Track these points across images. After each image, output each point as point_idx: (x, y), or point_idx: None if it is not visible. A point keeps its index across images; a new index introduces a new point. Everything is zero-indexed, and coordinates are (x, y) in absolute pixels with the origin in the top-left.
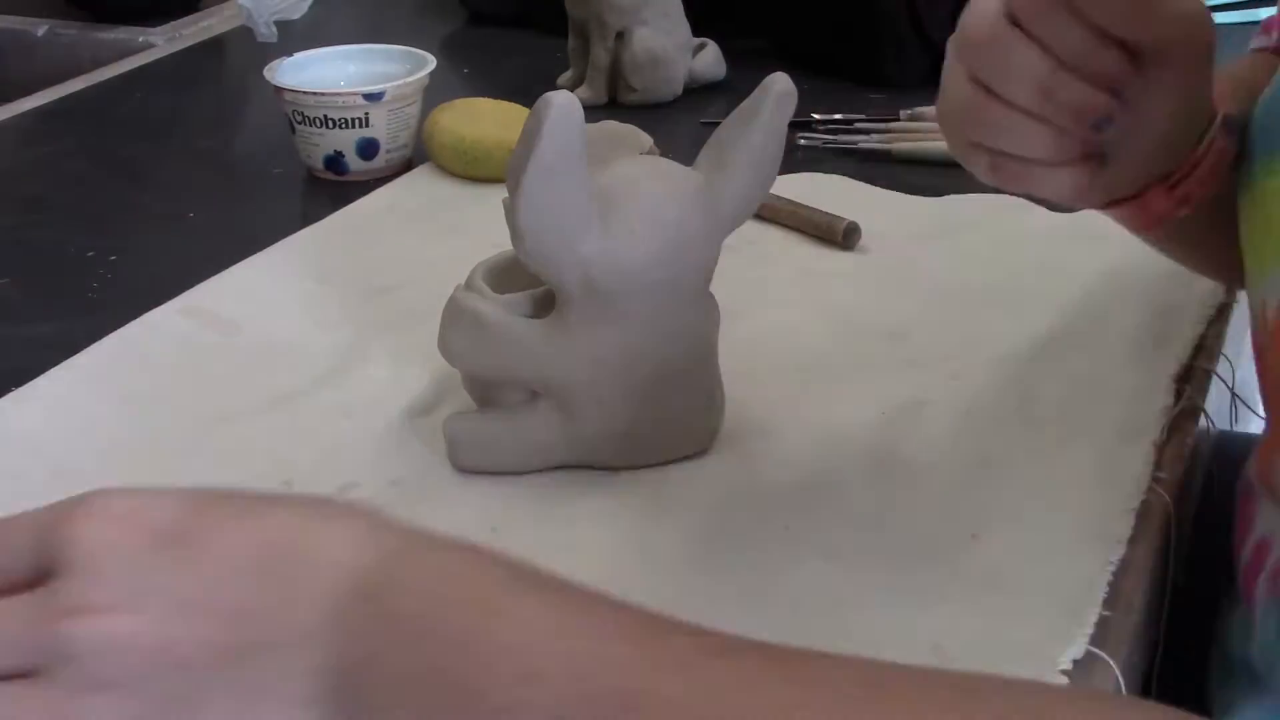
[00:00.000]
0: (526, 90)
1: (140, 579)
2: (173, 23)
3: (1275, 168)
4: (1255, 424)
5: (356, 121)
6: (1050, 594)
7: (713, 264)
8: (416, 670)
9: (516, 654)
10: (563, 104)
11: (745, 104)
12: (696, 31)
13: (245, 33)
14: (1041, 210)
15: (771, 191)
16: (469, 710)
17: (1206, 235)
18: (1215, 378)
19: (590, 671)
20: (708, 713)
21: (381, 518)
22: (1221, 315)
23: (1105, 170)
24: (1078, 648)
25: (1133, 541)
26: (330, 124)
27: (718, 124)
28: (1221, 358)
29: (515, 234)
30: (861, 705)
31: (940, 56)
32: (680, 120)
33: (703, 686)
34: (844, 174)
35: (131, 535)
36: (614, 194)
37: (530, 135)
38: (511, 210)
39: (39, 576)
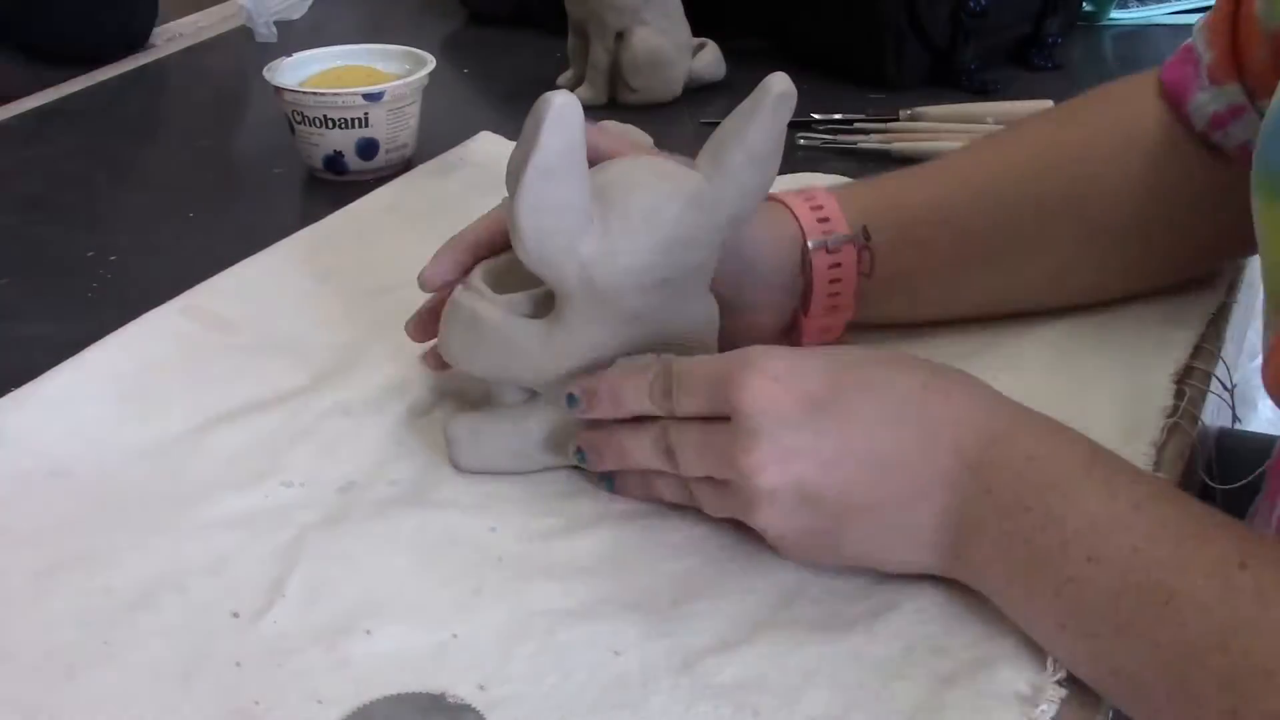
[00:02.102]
0: (526, 90)
1: (798, 435)
2: (173, 23)
3: None
4: (1255, 424)
5: (356, 121)
6: None
7: (712, 264)
8: (1009, 538)
9: (1085, 539)
10: (562, 104)
11: (744, 104)
12: (696, 31)
13: (245, 33)
14: None
15: (772, 191)
16: (1044, 575)
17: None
18: (1214, 378)
19: (1139, 564)
20: (1228, 618)
21: (984, 394)
22: (1221, 316)
23: None
24: None
25: None
26: (330, 124)
27: (718, 124)
28: (1220, 359)
29: (515, 234)
30: None
31: (941, 56)
32: (680, 120)
33: (1228, 594)
34: (844, 174)
35: (783, 398)
36: (613, 193)
37: (529, 135)
38: (511, 210)
39: (715, 409)
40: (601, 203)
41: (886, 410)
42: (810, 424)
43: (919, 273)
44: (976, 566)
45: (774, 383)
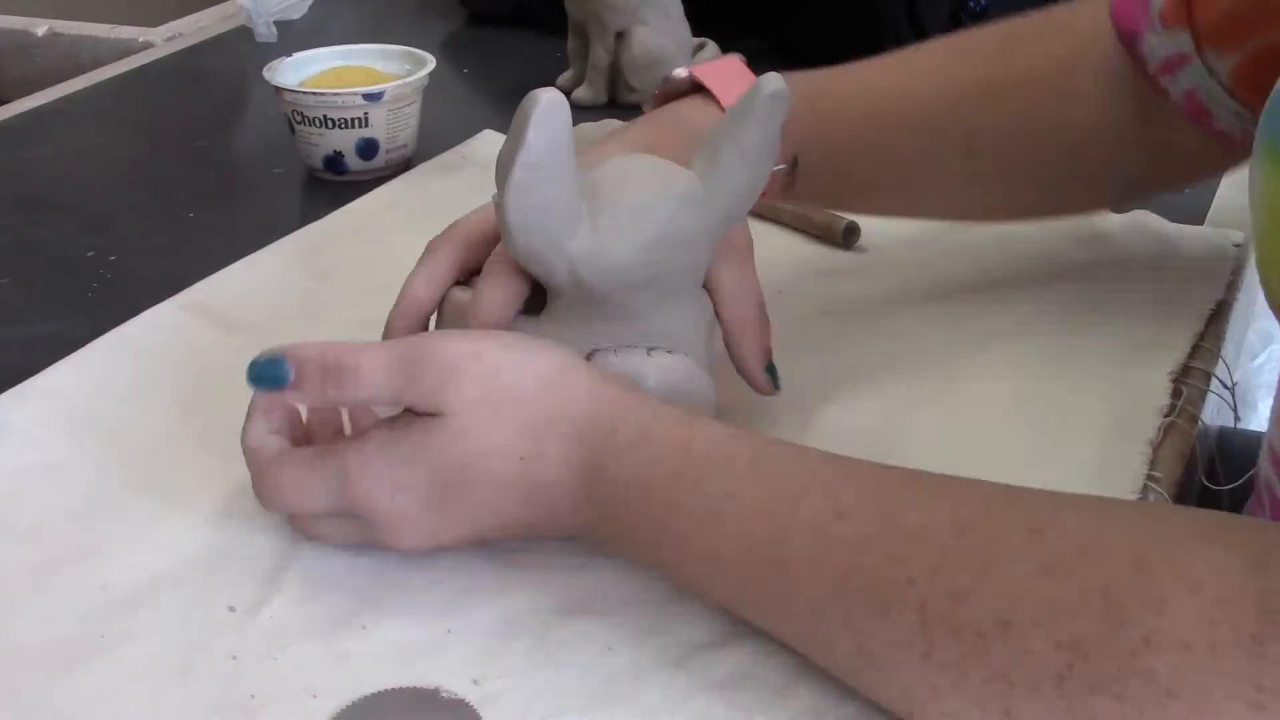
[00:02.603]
0: (526, 90)
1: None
2: (173, 23)
3: None
4: (1253, 424)
5: (356, 121)
6: None
7: (705, 263)
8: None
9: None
10: (549, 100)
11: (738, 103)
12: (696, 31)
13: (245, 33)
14: None
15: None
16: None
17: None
18: (1214, 378)
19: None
20: (836, 569)
21: (583, 408)
22: (1220, 314)
23: None
24: None
25: None
26: (330, 124)
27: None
28: (1220, 358)
29: (504, 230)
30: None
31: None
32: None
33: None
34: None
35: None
36: (603, 191)
37: (517, 131)
38: (499, 206)
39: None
40: (592, 200)
41: (497, 503)
42: (435, 501)
43: (843, 194)
44: (630, 551)
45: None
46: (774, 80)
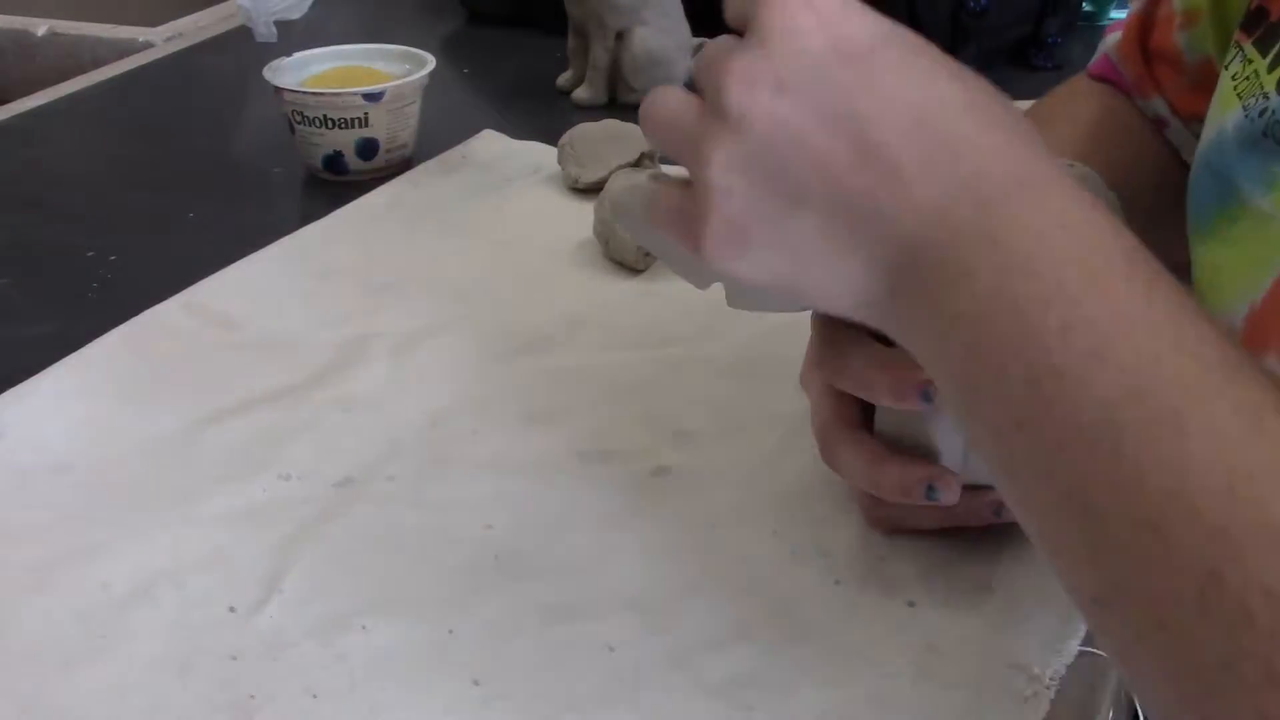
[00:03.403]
0: (526, 90)
1: (801, 75)
2: (173, 23)
3: (1231, 212)
4: None
5: (356, 121)
6: (1045, 594)
7: None
8: (997, 300)
9: (1095, 330)
10: None
11: None
12: (696, 31)
13: (245, 33)
14: None
15: None
16: (1025, 358)
17: None
18: None
19: (1154, 374)
20: (1245, 460)
21: (1034, 142)
22: None
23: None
24: (1069, 649)
25: None
26: (330, 124)
27: None
28: None
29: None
30: None
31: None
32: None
33: (1254, 435)
34: None
35: (815, 32)
36: None
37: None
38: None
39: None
40: None
41: (913, 104)
42: (825, 69)
43: None
44: (933, 322)
45: (813, 13)
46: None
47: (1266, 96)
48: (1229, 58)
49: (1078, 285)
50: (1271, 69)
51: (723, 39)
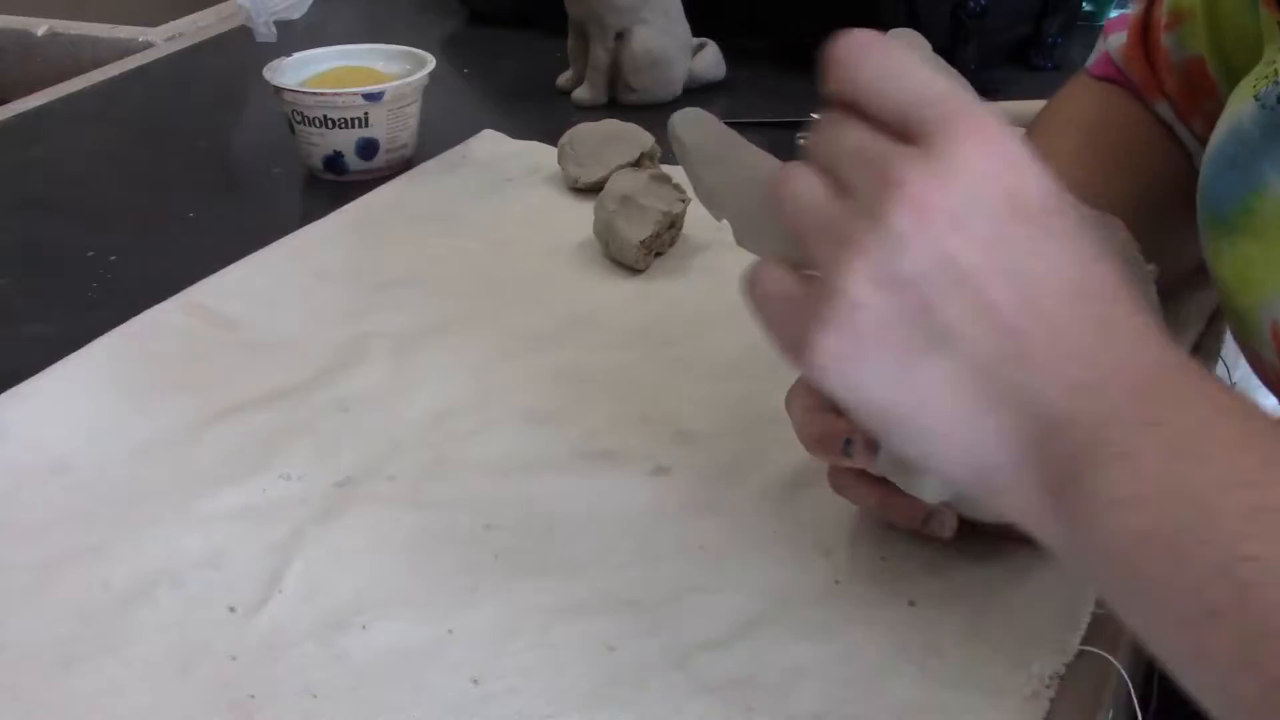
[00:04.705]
0: (526, 90)
1: (978, 217)
2: (173, 23)
3: (1253, 204)
4: None
5: (356, 121)
6: (1045, 593)
7: None
8: (1162, 479)
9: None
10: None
11: None
12: (696, 31)
13: (245, 33)
14: None
15: None
16: (1212, 542)
17: None
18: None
19: None
20: None
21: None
22: (1220, 315)
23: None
24: (1070, 647)
25: None
26: (330, 124)
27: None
28: (1220, 358)
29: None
30: None
31: (941, 57)
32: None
33: None
34: None
35: (999, 177)
36: None
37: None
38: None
39: (897, 126)
40: None
41: (1075, 278)
42: (1002, 220)
43: None
44: (1080, 504)
45: (1001, 159)
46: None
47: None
48: (1269, 48)
49: (1256, 469)
50: None
51: (863, 132)
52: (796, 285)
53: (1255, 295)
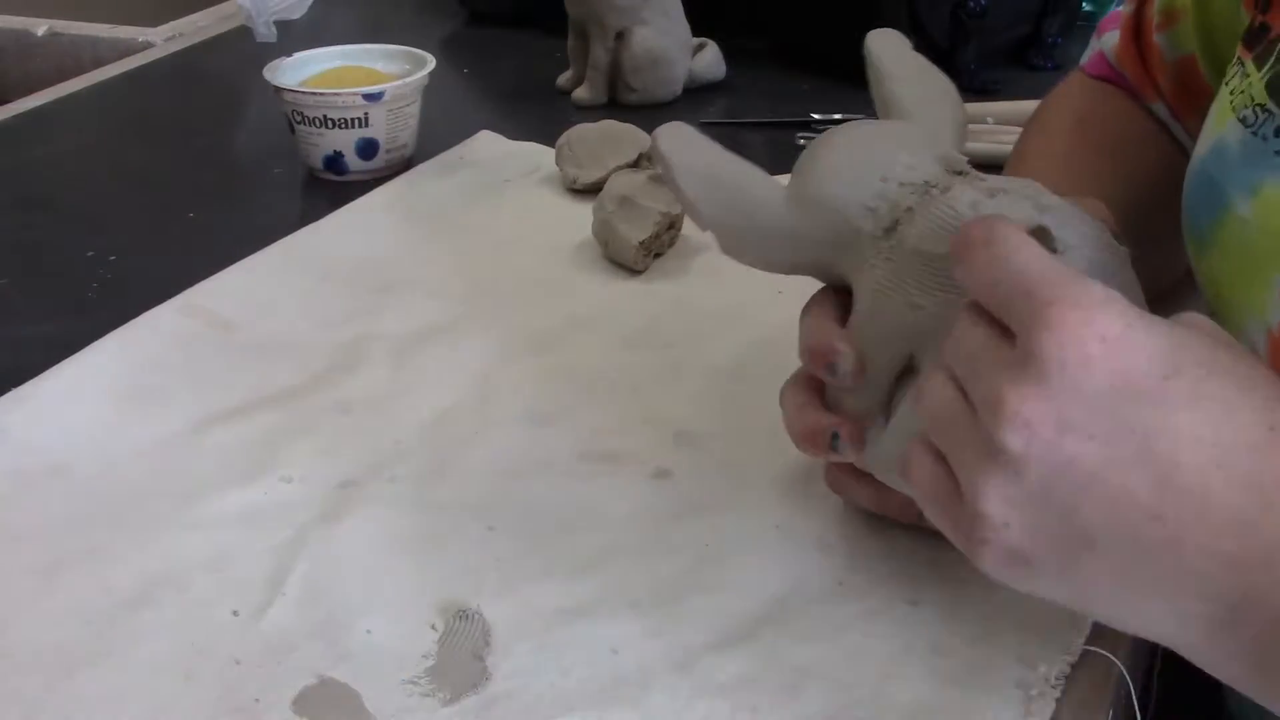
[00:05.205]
0: (526, 90)
1: (1088, 412)
2: (173, 23)
3: (1224, 221)
4: None
5: (356, 121)
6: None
7: None
8: None
9: None
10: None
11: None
12: (696, 31)
13: (245, 33)
14: None
15: None
16: None
17: None
18: None
19: None
20: None
21: None
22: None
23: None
24: (1075, 647)
25: None
26: (330, 124)
27: (718, 124)
28: None
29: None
30: None
31: (941, 56)
32: (680, 120)
33: None
34: None
35: (1100, 361)
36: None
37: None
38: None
39: (999, 322)
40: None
41: (1212, 442)
42: (1114, 406)
43: None
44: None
45: (1098, 341)
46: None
47: (1268, 111)
48: (1230, 73)
49: None
50: (1264, 80)
51: (977, 335)
52: (954, 496)
53: (1232, 316)
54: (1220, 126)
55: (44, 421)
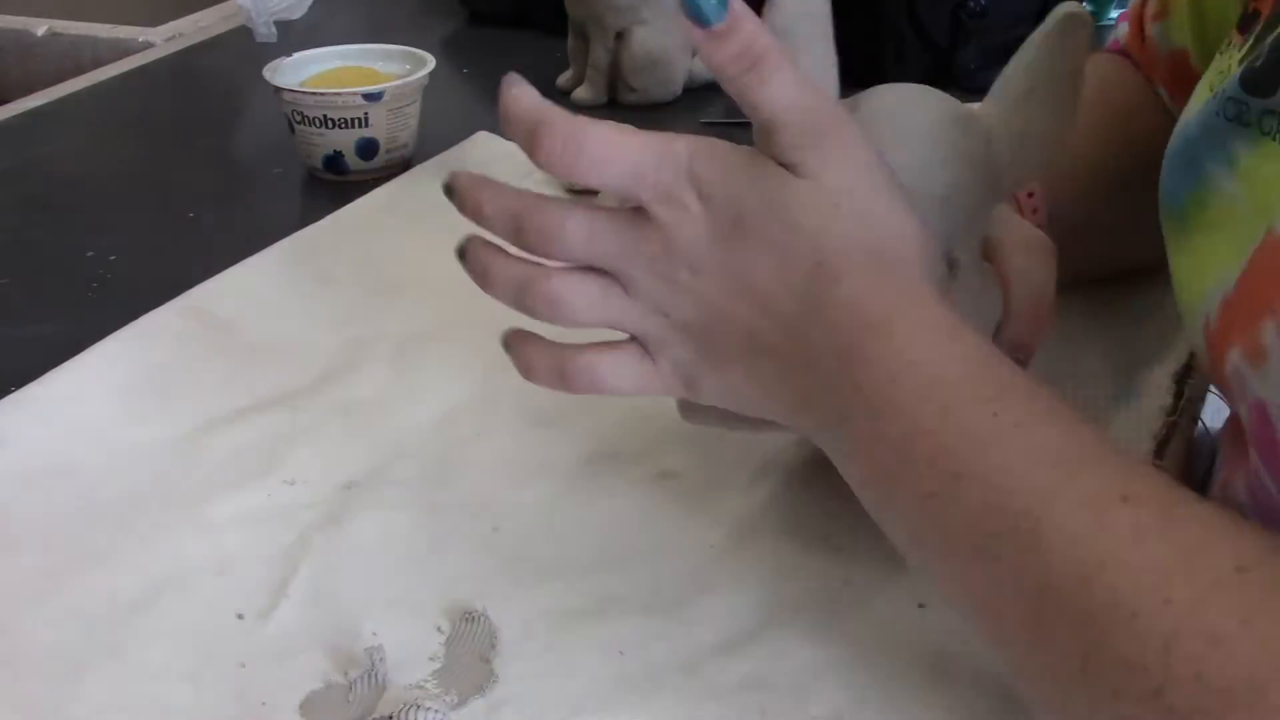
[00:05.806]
0: None
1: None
2: (173, 23)
3: (1203, 197)
4: None
5: (356, 121)
6: None
7: (981, 220)
8: (874, 439)
9: (955, 454)
10: None
11: (1035, 33)
12: None
13: (245, 33)
14: None
15: None
16: (906, 484)
17: None
18: None
19: (1008, 486)
20: (1096, 552)
21: (876, 272)
22: None
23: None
24: None
25: None
26: (329, 124)
27: (718, 124)
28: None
29: None
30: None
31: (941, 56)
32: (680, 120)
33: (1101, 527)
34: None
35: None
36: (864, 101)
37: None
38: None
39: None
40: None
41: (775, 271)
42: (710, 257)
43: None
44: (839, 457)
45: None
46: (1069, 4)
47: (1243, 102)
48: (1223, 48)
49: (933, 418)
50: (1242, 61)
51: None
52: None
53: (1196, 289)
54: (1194, 105)
55: (45, 425)
